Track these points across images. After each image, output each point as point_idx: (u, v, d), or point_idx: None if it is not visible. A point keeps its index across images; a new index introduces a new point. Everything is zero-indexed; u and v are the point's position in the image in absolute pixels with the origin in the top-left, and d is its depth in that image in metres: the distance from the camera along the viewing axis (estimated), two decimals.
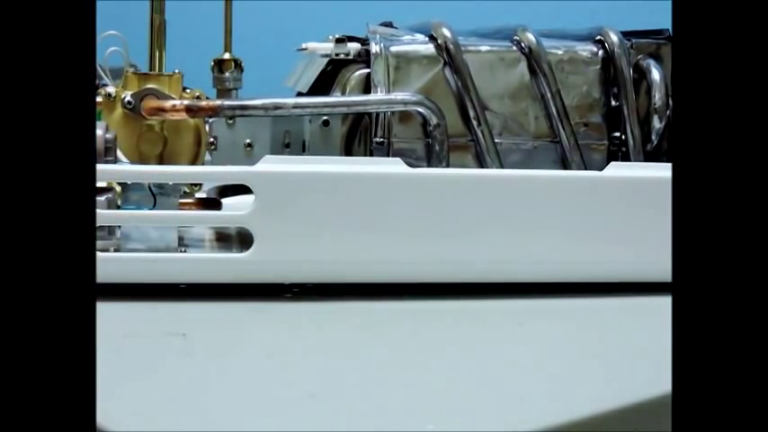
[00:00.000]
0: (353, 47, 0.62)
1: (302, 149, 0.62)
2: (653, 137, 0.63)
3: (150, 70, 0.64)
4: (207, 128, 0.62)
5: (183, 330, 0.46)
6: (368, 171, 0.54)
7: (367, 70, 0.61)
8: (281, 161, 0.54)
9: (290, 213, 0.52)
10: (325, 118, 0.61)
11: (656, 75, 0.63)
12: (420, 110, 0.59)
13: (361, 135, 0.61)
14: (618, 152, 0.63)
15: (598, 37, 0.64)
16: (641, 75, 0.64)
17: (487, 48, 0.62)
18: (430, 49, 0.61)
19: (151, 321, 0.48)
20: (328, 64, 0.63)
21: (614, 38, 0.63)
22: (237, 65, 0.66)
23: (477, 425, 0.35)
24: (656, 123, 0.63)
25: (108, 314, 0.42)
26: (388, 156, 0.59)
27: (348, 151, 0.61)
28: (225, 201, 0.67)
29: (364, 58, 0.62)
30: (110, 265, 0.51)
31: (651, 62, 0.64)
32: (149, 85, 0.61)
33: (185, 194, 0.64)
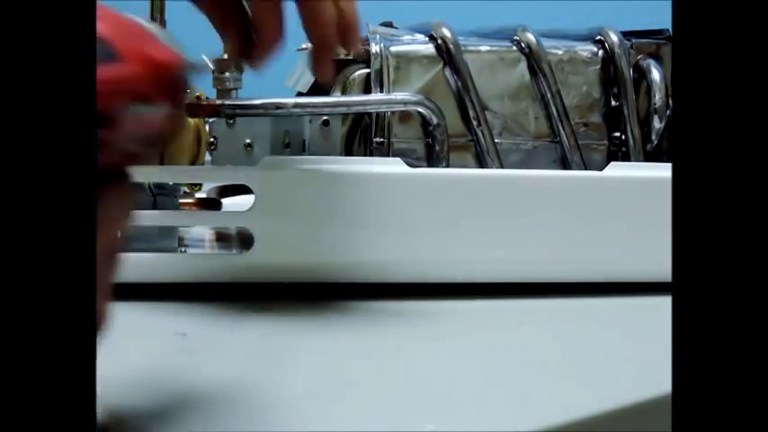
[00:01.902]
0: None
1: (302, 149, 0.62)
2: (653, 137, 0.63)
3: None
4: (207, 128, 0.62)
5: (183, 330, 0.46)
6: (368, 171, 0.54)
7: (367, 70, 0.61)
8: (281, 161, 0.54)
9: (290, 213, 0.52)
10: (325, 118, 0.60)
11: (656, 75, 0.63)
12: (420, 110, 0.59)
13: (361, 135, 0.61)
14: (618, 152, 0.63)
15: (598, 37, 0.64)
16: (641, 75, 0.64)
17: (487, 48, 0.62)
18: (430, 49, 0.61)
19: (151, 321, 0.48)
20: None
21: (614, 38, 0.63)
22: (237, 65, 0.66)
23: (478, 425, 0.35)
24: (656, 123, 0.63)
25: None
26: (388, 156, 0.59)
27: (348, 151, 0.61)
28: (225, 201, 0.67)
29: (364, 58, 0.62)
30: None
31: (651, 62, 0.64)
32: None
33: (185, 194, 0.64)
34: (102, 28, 0.25)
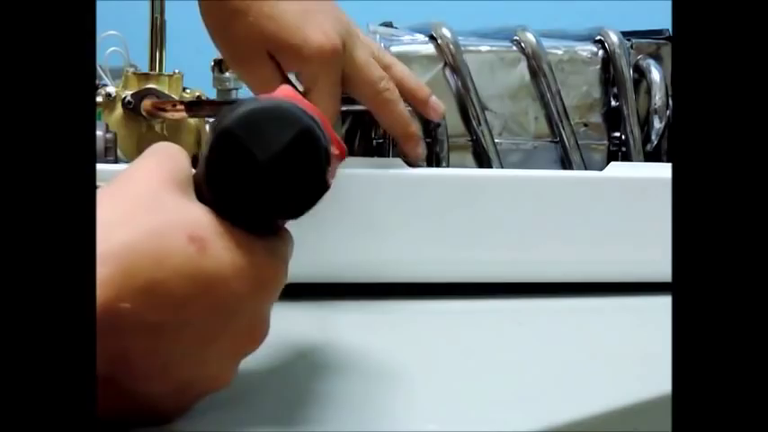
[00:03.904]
0: None
1: None
2: (653, 137, 0.63)
3: (150, 70, 0.64)
4: (207, 128, 0.62)
5: None
6: (368, 171, 0.54)
7: None
8: None
9: None
10: None
11: (656, 75, 0.63)
12: None
13: (361, 135, 0.61)
14: (618, 152, 0.63)
15: (598, 37, 0.64)
16: (641, 75, 0.64)
17: (487, 48, 0.62)
18: (430, 49, 0.60)
19: None
20: None
21: (614, 38, 0.63)
22: None
23: (478, 425, 0.35)
24: (656, 123, 0.63)
25: None
26: (388, 156, 0.59)
27: (348, 151, 0.61)
28: None
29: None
30: None
31: (651, 62, 0.64)
32: (149, 85, 0.61)
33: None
34: (316, 114, 0.33)
